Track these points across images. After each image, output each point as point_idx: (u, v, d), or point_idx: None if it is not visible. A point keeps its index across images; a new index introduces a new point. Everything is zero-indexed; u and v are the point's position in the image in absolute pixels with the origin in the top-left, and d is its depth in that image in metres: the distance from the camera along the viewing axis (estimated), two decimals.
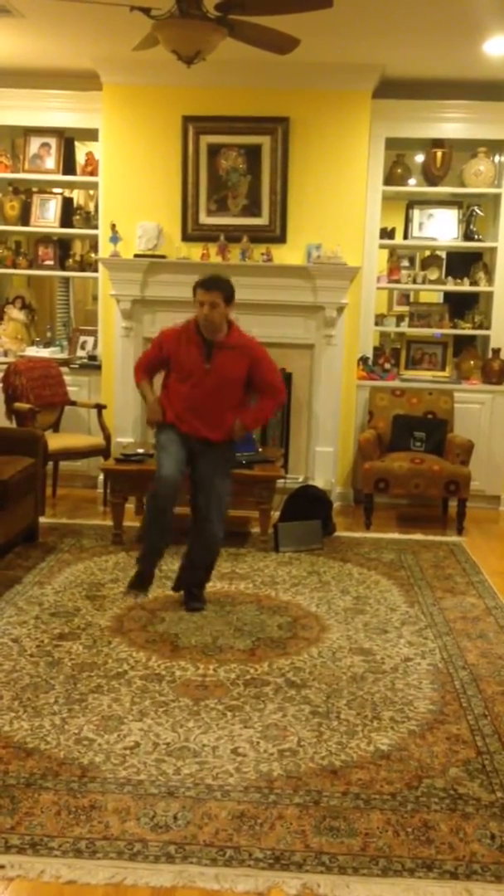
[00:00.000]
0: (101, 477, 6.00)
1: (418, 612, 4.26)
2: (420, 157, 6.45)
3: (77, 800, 2.61)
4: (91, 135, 6.41)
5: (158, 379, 4.28)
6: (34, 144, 6.52)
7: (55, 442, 5.75)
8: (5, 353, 6.55)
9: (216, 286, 3.94)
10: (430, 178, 6.35)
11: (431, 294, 7.00)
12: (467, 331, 6.56)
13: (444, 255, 6.78)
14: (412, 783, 2.75)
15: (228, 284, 4.00)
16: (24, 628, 3.89)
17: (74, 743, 2.92)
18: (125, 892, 2.26)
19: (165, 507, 4.04)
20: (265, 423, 4.85)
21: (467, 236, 6.46)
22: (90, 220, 6.63)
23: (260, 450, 5.57)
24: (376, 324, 6.54)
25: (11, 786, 2.67)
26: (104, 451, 5.96)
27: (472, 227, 6.44)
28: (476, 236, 6.44)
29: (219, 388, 4.01)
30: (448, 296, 6.80)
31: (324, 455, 6.25)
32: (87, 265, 6.71)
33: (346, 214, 6.07)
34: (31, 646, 3.70)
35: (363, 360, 6.39)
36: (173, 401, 4.09)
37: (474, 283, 6.46)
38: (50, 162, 6.52)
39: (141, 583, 4.25)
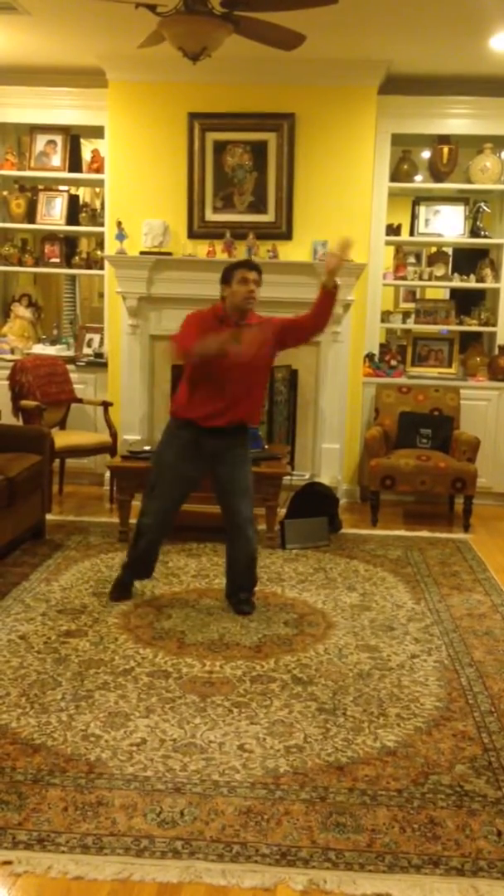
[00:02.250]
0: (108, 474, 6.00)
1: (424, 609, 4.25)
2: (426, 154, 6.44)
3: (84, 796, 2.61)
4: (97, 132, 6.41)
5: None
6: (40, 142, 6.53)
7: (62, 439, 5.76)
8: (12, 351, 6.56)
9: (257, 267, 4.02)
10: (437, 174, 6.34)
11: (438, 291, 6.98)
12: (473, 327, 6.54)
13: (450, 251, 6.75)
14: (418, 780, 2.75)
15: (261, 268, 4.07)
16: (31, 625, 3.90)
17: (81, 739, 2.93)
18: (132, 887, 2.26)
19: (152, 549, 4.17)
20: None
21: (474, 233, 6.45)
22: (96, 217, 6.64)
23: (266, 447, 5.57)
24: (382, 321, 6.53)
25: (19, 782, 2.68)
26: (110, 449, 5.97)
27: (478, 223, 6.42)
28: (482, 233, 6.43)
29: (252, 370, 3.98)
30: (454, 292, 6.78)
31: (330, 452, 6.25)
32: (94, 262, 6.72)
33: (352, 211, 6.06)
34: (38, 642, 3.71)
35: (369, 356, 6.38)
36: (200, 394, 3.97)
37: (481, 279, 6.44)
38: (56, 159, 6.53)
39: (122, 591, 4.25)
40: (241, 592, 4.18)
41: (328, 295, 4.01)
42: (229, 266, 4.06)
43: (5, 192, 6.63)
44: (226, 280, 3.99)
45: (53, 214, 6.65)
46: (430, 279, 6.54)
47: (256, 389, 4.10)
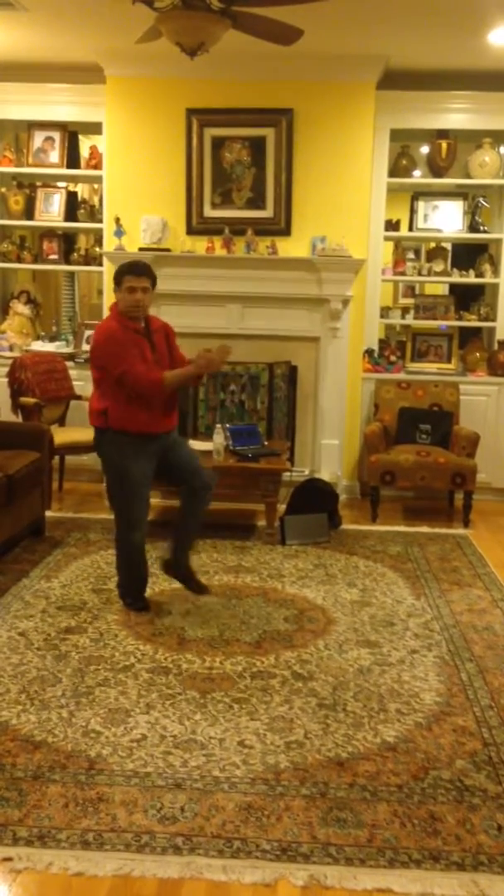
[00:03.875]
0: None
1: (424, 605, 4.25)
2: (425, 149, 6.43)
3: (84, 792, 2.62)
4: (95, 128, 6.40)
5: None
6: (38, 138, 6.51)
7: (61, 436, 5.76)
8: (11, 348, 6.56)
9: (145, 271, 3.91)
10: (435, 169, 6.32)
11: (437, 286, 6.98)
12: (473, 323, 6.53)
13: (449, 246, 6.75)
14: (419, 775, 2.75)
15: (153, 271, 3.98)
16: (31, 622, 3.90)
17: (82, 736, 2.93)
18: (133, 883, 2.26)
19: (140, 557, 4.10)
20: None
21: (473, 228, 6.43)
22: (95, 214, 6.62)
23: (266, 443, 5.57)
24: (382, 316, 6.52)
25: (19, 778, 2.68)
26: None
27: (477, 218, 6.41)
28: (481, 228, 6.42)
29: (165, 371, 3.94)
30: (453, 288, 6.78)
31: (330, 448, 6.24)
32: (92, 259, 6.71)
33: (350, 206, 6.06)
34: (38, 639, 3.71)
35: (369, 352, 6.38)
36: (138, 405, 3.88)
37: (480, 274, 6.43)
38: (54, 156, 6.52)
39: (142, 605, 4.16)
40: (187, 565, 4.18)
41: (193, 379, 4.02)
42: (119, 268, 3.94)
43: (3, 189, 6.62)
44: (117, 284, 3.91)
45: (52, 211, 6.64)
46: (429, 274, 6.53)
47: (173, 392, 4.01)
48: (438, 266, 6.53)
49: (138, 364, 3.83)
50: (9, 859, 2.33)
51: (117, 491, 4.04)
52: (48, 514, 5.28)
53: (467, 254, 6.72)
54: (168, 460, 4.04)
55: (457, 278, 6.52)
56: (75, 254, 6.75)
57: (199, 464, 4.14)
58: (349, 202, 6.05)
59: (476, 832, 2.47)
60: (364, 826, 2.49)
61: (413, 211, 6.51)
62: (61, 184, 6.80)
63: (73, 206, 6.66)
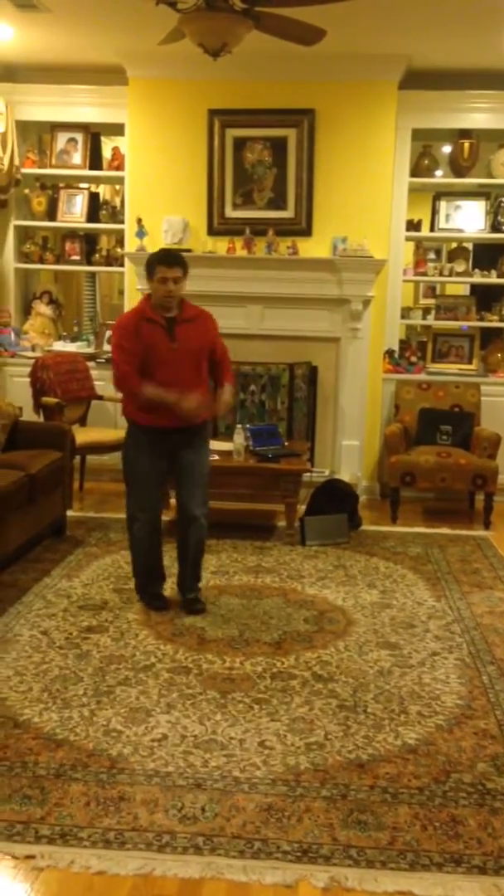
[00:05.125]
0: None
1: (445, 607, 4.24)
2: (447, 148, 6.40)
3: (106, 791, 2.63)
4: (117, 129, 6.43)
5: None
6: (61, 140, 6.55)
7: (82, 436, 5.79)
8: (33, 348, 6.60)
9: (177, 261, 3.88)
10: (457, 169, 6.30)
11: (458, 286, 6.95)
12: (494, 323, 6.50)
13: (470, 246, 6.72)
14: (440, 778, 2.74)
15: (185, 259, 3.96)
16: (52, 621, 3.92)
17: (103, 734, 2.94)
18: (154, 882, 2.27)
19: (141, 547, 4.10)
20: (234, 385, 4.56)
21: (495, 228, 6.40)
22: (116, 214, 6.65)
23: (286, 443, 5.57)
24: (402, 317, 6.50)
25: (41, 776, 2.70)
26: None
27: (499, 218, 6.38)
28: None
29: (188, 365, 3.91)
30: (475, 288, 6.75)
31: (350, 449, 6.23)
32: (114, 260, 6.74)
33: (372, 207, 6.04)
34: (59, 638, 3.73)
35: (389, 353, 6.36)
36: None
37: (501, 275, 6.40)
38: (76, 157, 6.55)
39: (159, 604, 4.15)
40: (188, 591, 4.16)
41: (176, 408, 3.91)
42: (151, 257, 3.94)
43: (27, 190, 6.66)
44: (149, 274, 3.88)
45: (74, 212, 6.67)
46: (450, 275, 6.50)
47: (195, 385, 3.94)
48: (460, 266, 6.51)
49: (128, 363, 3.85)
50: (31, 857, 2.34)
51: (125, 477, 4.08)
52: (69, 513, 5.31)
53: (489, 254, 6.68)
54: (174, 465, 4.02)
55: (478, 279, 6.49)
56: (97, 254, 6.78)
57: (195, 493, 4.02)
58: (370, 202, 6.04)
59: (498, 836, 2.46)
60: (385, 828, 2.48)
61: (435, 211, 6.49)
62: (83, 185, 6.84)
63: (95, 207, 6.70)
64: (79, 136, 6.53)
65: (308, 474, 5.39)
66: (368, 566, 4.82)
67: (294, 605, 4.22)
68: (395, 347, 6.41)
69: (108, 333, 6.70)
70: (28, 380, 6.01)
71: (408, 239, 6.40)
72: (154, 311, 3.90)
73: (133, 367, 3.85)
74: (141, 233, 6.08)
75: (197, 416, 3.93)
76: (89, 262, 6.81)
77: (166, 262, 3.85)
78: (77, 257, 6.76)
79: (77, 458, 5.88)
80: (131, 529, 4.12)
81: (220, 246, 6.13)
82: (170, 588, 4.24)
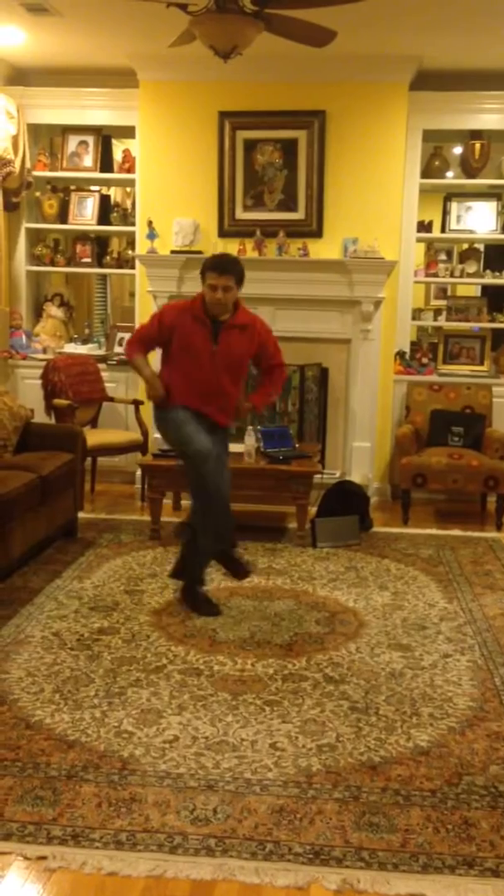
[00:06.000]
0: (139, 472, 6.03)
1: (457, 609, 4.22)
2: (458, 149, 6.39)
3: (117, 792, 2.63)
4: (128, 132, 6.44)
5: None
6: (72, 143, 6.57)
7: (94, 438, 5.80)
8: (44, 350, 6.62)
9: (229, 270, 3.86)
10: (469, 170, 6.28)
11: (469, 288, 6.94)
12: None
13: (482, 247, 6.70)
14: (452, 780, 2.73)
15: (240, 266, 3.94)
16: (64, 622, 3.93)
17: (114, 736, 2.95)
18: (166, 884, 2.27)
19: (220, 484, 3.96)
20: (270, 404, 4.70)
21: None
22: (127, 217, 6.67)
23: (297, 445, 5.56)
24: (413, 318, 6.49)
25: (53, 777, 2.70)
26: (142, 447, 5.99)
27: None
28: None
29: (225, 369, 3.95)
30: (486, 289, 6.74)
31: (361, 450, 6.22)
32: (125, 262, 6.75)
33: (382, 208, 6.04)
34: (71, 639, 3.74)
35: (400, 354, 6.35)
36: (179, 384, 3.95)
37: None
38: (88, 160, 6.57)
39: (241, 568, 4.18)
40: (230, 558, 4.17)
41: (150, 388, 4.05)
42: (206, 261, 3.96)
43: (38, 193, 6.68)
44: (202, 278, 3.92)
45: (85, 214, 6.69)
46: (461, 276, 6.49)
47: (229, 390, 4.02)
48: (471, 267, 6.49)
49: (141, 340, 4.10)
50: (43, 858, 2.35)
51: (176, 441, 4.01)
52: (80, 515, 5.32)
53: (500, 255, 6.66)
54: None
55: (490, 279, 6.47)
56: (108, 257, 6.80)
57: (227, 491, 4.08)
58: (381, 204, 6.03)
59: None
60: (397, 831, 2.48)
61: (446, 212, 6.48)
62: (95, 187, 6.85)
63: (106, 210, 6.71)
64: (90, 139, 6.55)
65: (319, 476, 5.38)
66: (380, 568, 4.81)
67: (305, 606, 4.21)
68: (407, 349, 6.40)
69: (120, 335, 6.74)
70: (40, 382, 6.03)
71: (419, 240, 6.39)
72: (204, 311, 3.92)
73: (140, 343, 4.09)
74: (152, 235, 6.09)
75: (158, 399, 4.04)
76: (100, 265, 6.83)
77: (218, 270, 3.84)
78: (88, 260, 6.78)
79: (88, 460, 5.89)
80: (203, 472, 3.89)
81: (231, 248, 6.13)
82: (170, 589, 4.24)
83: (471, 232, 6.46)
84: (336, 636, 3.86)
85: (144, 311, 6.33)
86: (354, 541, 5.21)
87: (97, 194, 6.75)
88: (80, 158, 6.58)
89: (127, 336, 6.59)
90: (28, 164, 6.32)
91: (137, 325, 3.99)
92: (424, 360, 6.40)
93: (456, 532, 5.54)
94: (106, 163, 6.61)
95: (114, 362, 6.52)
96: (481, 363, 6.43)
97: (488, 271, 6.50)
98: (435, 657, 3.65)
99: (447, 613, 4.16)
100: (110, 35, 5.46)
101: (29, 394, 6.19)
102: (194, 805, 2.57)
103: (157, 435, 6.01)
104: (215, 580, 4.48)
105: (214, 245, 6.15)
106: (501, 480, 5.54)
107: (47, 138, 6.79)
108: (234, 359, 3.98)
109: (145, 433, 6.08)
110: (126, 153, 6.59)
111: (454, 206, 6.45)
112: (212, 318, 3.94)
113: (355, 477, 6.01)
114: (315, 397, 6.11)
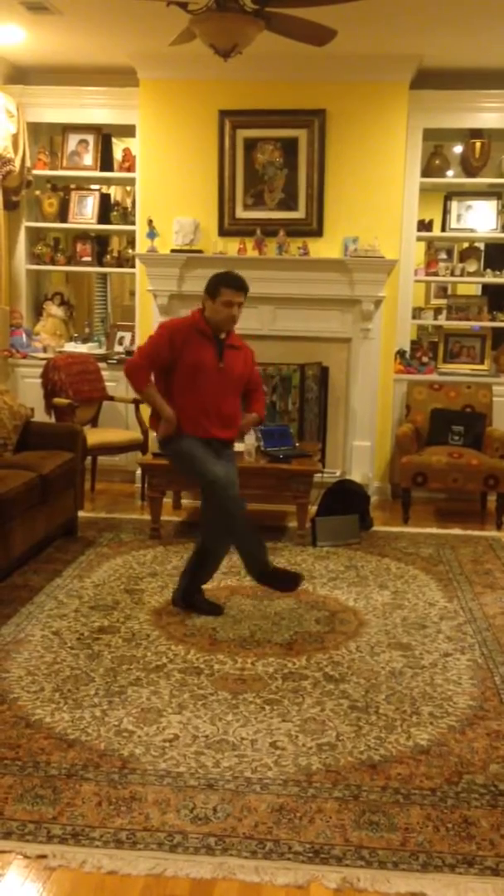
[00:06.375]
0: (139, 472, 6.03)
1: (457, 608, 4.22)
2: (458, 148, 6.39)
3: (117, 791, 2.63)
4: (128, 131, 6.44)
5: None
6: (72, 141, 6.57)
7: (94, 437, 5.80)
8: (44, 349, 6.62)
9: (244, 287, 3.91)
10: (469, 169, 6.28)
11: (470, 286, 6.93)
12: None
13: (482, 246, 6.70)
14: (452, 779, 2.73)
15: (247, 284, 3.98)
16: (64, 621, 3.93)
17: (115, 735, 2.95)
18: (166, 883, 2.27)
19: (242, 505, 3.90)
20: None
21: None
22: (127, 216, 6.67)
23: (297, 444, 5.56)
24: (414, 317, 6.49)
25: (53, 776, 2.70)
26: (142, 446, 5.99)
27: None
28: None
29: (230, 387, 3.98)
30: (487, 288, 6.73)
31: (361, 449, 6.22)
32: (125, 261, 6.75)
33: (383, 207, 6.03)
34: (71, 638, 3.74)
35: (400, 353, 6.34)
36: (187, 407, 3.90)
37: None
38: (88, 158, 6.57)
39: (289, 578, 3.99)
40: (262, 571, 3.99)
41: (165, 421, 3.93)
42: (218, 279, 3.91)
43: (38, 192, 6.68)
44: (211, 294, 3.88)
45: (85, 213, 6.69)
46: (461, 275, 6.49)
47: (234, 406, 4.04)
48: (471, 266, 6.49)
49: (149, 363, 3.90)
50: (43, 857, 2.34)
51: (189, 467, 3.93)
52: (81, 514, 5.32)
53: (501, 254, 6.67)
54: None
55: (490, 278, 6.47)
56: (108, 256, 6.80)
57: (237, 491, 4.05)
58: (381, 203, 6.03)
59: None
60: (397, 829, 2.47)
61: (446, 211, 6.48)
62: (95, 186, 6.85)
63: (106, 209, 6.71)
64: (90, 138, 6.55)
65: (319, 475, 5.38)
66: (380, 567, 4.81)
67: (305, 605, 4.21)
68: (407, 348, 6.40)
69: (120, 334, 6.74)
70: (40, 381, 6.03)
71: (419, 239, 6.39)
72: (208, 327, 3.92)
73: (149, 368, 3.91)
74: (152, 234, 6.09)
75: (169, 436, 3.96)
76: (100, 264, 6.82)
77: (235, 287, 3.87)
78: (88, 258, 6.78)
79: (89, 459, 5.89)
80: (225, 498, 3.82)
81: (231, 247, 6.14)
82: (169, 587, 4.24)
83: (471, 231, 6.46)
84: (336, 635, 3.86)
85: (145, 309, 6.34)
86: (354, 540, 5.21)
87: (97, 193, 6.75)
88: (81, 157, 6.58)
89: (128, 335, 6.68)
90: (28, 163, 6.32)
91: (137, 333, 3.81)
92: (425, 359, 6.39)
93: (456, 531, 5.54)
94: (106, 161, 6.60)
95: (114, 361, 6.51)
96: (481, 362, 6.43)
97: (488, 270, 6.50)
98: (435, 656, 3.65)
99: (447, 612, 4.16)
100: (110, 33, 5.45)
101: (29, 393, 6.19)
102: (194, 804, 2.57)
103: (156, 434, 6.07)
104: (215, 579, 4.47)
105: (214, 244, 6.16)
106: (501, 479, 5.54)
107: (47, 137, 6.79)
108: (236, 376, 4.00)
109: (145, 432, 6.07)
110: (126, 152, 6.59)
111: (454, 205, 6.45)
112: (215, 335, 3.94)
113: (355, 476, 6.01)
114: (315, 396, 6.11)
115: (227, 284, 3.87)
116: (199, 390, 3.89)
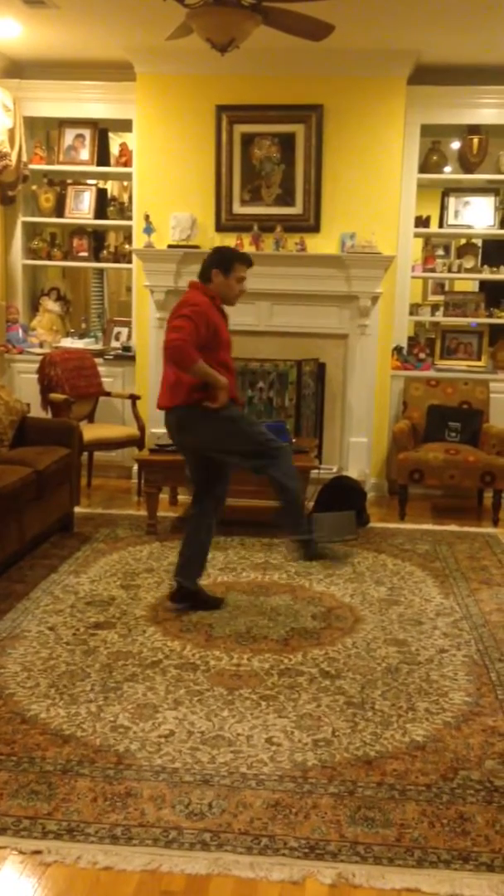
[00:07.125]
0: (136, 467, 6.02)
1: (453, 604, 4.22)
2: (456, 144, 6.38)
3: (113, 787, 2.63)
4: (125, 125, 6.43)
5: None
6: (69, 136, 6.55)
7: (90, 432, 5.79)
8: (41, 345, 6.60)
9: (252, 263, 4.08)
10: (467, 165, 6.28)
11: (467, 283, 6.92)
12: (503, 320, 6.47)
13: (479, 243, 6.69)
14: (447, 775, 2.73)
15: None
16: (60, 617, 3.92)
17: (110, 730, 2.94)
18: (161, 878, 2.27)
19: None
20: None
21: None
22: (124, 211, 6.65)
23: (294, 440, 5.55)
24: (411, 313, 6.49)
25: (48, 772, 2.70)
26: (138, 442, 5.99)
27: None
28: None
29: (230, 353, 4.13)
30: (484, 284, 6.72)
31: (358, 445, 6.22)
32: (122, 256, 6.73)
33: (380, 203, 6.03)
34: (67, 634, 3.73)
35: (398, 349, 6.34)
36: (224, 376, 4.01)
37: None
38: (84, 153, 6.55)
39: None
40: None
41: (214, 390, 3.90)
42: (231, 255, 4.07)
43: (34, 187, 6.67)
44: (225, 270, 3.97)
45: (82, 208, 6.68)
46: (459, 271, 6.48)
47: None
48: (469, 263, 6.48)
49: (193, 340, 3.77)
50: (38, 852, 2.34)
51: (240, 433, 3.99)
52: (77, 510, 5.31)
53: (498, 250, 6.66)
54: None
55: (487, 275, 6.47)
56: (105, 251, 6.79)
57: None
58: (379, 198, 6.02)
59: None
60: (392, 825, 2.47)
61: (443, 207, 6.47)
62: (91, 181, 6.84)
63: (102, 204, 6.70)
64: (86, 133, 6.53)
65: (316, 471, 5.37)
66: (376, 563, 4.81)
67: (302, 601, 4.21)
68: (404, 344, 6.40)
69: (116, 330, 6.73)
70: (36, 376, 6.02)
71: (416, 235, 6.38)
72: (220, 300, 4.03)
73: (194, 345, 3.79)
74: (149, 229, 6.07)
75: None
76: (97, 259, 6.81)
77: (248, 262, 4.04)
78: (85, 254, 6.77)
79: (85, 455, 5.89)
80: (280, 457, 4.05)
81: (228, 242, 6.09)
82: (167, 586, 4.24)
83: (468, 227, 6.45)
84: (332, 631, 3.86)
85: (141, 305, 6.33)
86: (351, 536, 5.19)
87: (94, 188, 6.73)
88: (77, 152, 6.56)
89: (125, 330, 6.67)
90: (24, 158, 6.30)
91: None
92: (422, 356, 6.39)
93: (452, 527, 5.54)
94: (103, 156, 6.59)
95: (110, 357, 6.50)
96: (478, 358, 6.43)
97: (486, 266, 6.49)
98: (431, 652, 3.65)
99: (443, 609, 4.16)
100: (107, 28, 5.44)
101: (25, 388, 6.18)
102: (190, 799, 2.57)
103: (155, 430, 6.07)
104: (211, 575, 4.47)
105: (212, 239, 6.14)
106: (498, 476, 5.55)
107: (44, 131, 6.77)
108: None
109: (142, 428, 6.07)
110: (123, 147, 6.57)
111: (452, 201, 6.44)
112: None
113: (352, 472, 6.01)
114: (312, 392, 6.10)
115: (240, 260, 4.02)
116: (222, 356, 3.98)
